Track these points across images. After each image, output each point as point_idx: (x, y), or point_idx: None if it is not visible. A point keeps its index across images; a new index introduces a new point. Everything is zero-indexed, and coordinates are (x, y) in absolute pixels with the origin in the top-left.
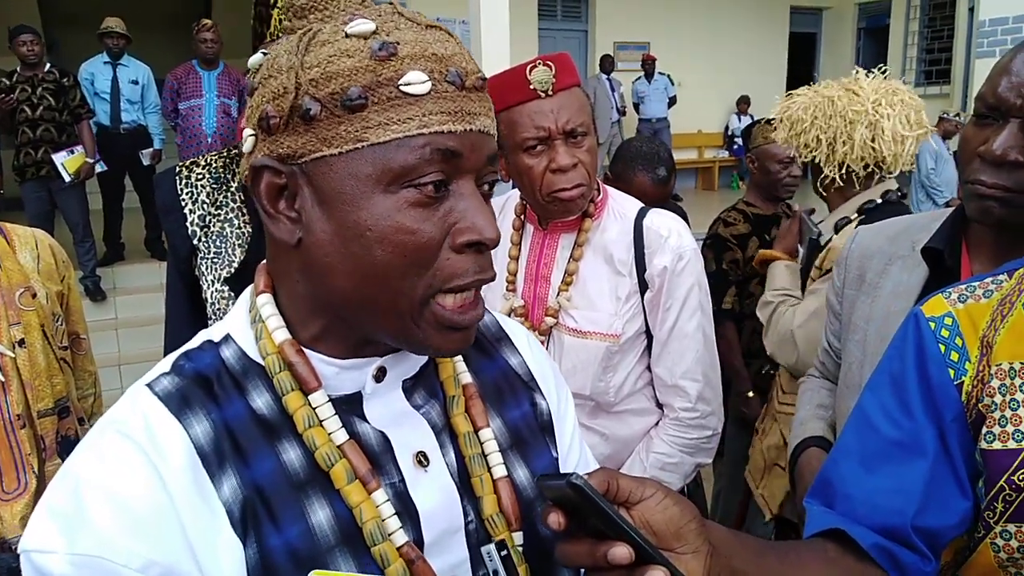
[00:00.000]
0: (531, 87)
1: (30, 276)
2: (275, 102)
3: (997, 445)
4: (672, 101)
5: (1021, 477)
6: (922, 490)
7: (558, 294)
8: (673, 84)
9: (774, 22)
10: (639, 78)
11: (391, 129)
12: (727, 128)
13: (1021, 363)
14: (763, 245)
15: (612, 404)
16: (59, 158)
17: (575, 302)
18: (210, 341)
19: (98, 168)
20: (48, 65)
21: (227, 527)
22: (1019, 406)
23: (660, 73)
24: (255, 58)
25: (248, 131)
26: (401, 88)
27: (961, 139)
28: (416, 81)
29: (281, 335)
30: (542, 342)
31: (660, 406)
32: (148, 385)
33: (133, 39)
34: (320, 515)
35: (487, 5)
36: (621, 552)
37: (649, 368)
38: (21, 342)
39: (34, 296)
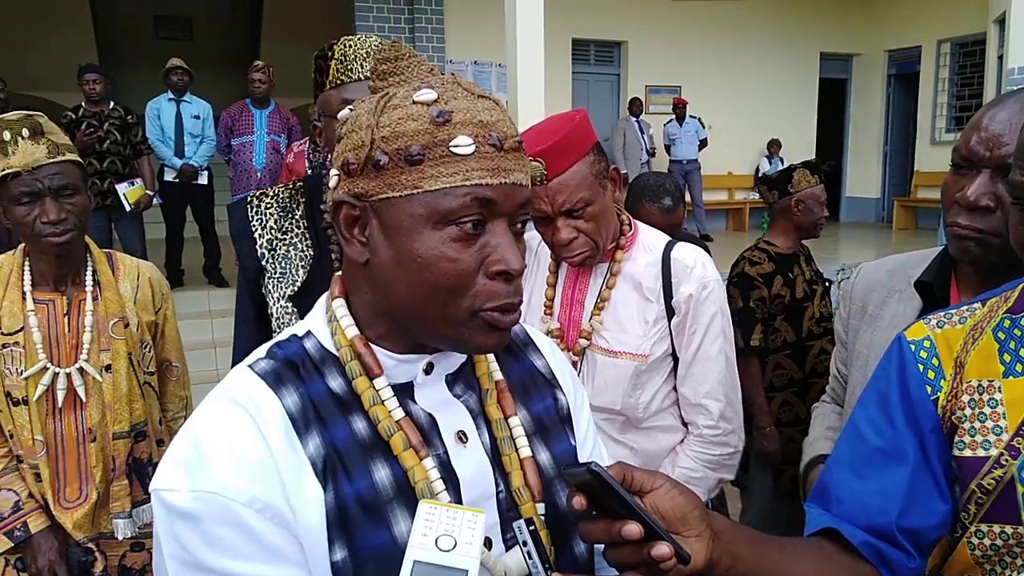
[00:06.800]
0: None
1: (126, 305)
2: (354, 151)
3: (968, 453)
4: (703, 143)
5: (989, 481)
6: (905, 493)
7: (591, 318)
8: (704, 127)
9: (804, 68)
10: (670, 121)
11: (440, 180)
12: (757, 170)
13: (988, 381)
14: (786, 283)
15: (641, 420)
16: (121, 188)
17: (606, 325)
18: (295, 335)
19: (155, 201)
20: (113, 103)
21: (311, 476)
22: (986, 418)
23: (691, 116)
24: (343, 113)
25: (333, 172)
26: (451, 149)
27: (942, 186)
28: (463, 144)
29: (352, 331)
30: (575, 362)
31: (685, 425)
32: (249, 366)
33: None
34: (382, 473)
35: (523, 50)
36: (633, 528)
37: (675, 388)
38: (108, 367)
39: (126, 326)
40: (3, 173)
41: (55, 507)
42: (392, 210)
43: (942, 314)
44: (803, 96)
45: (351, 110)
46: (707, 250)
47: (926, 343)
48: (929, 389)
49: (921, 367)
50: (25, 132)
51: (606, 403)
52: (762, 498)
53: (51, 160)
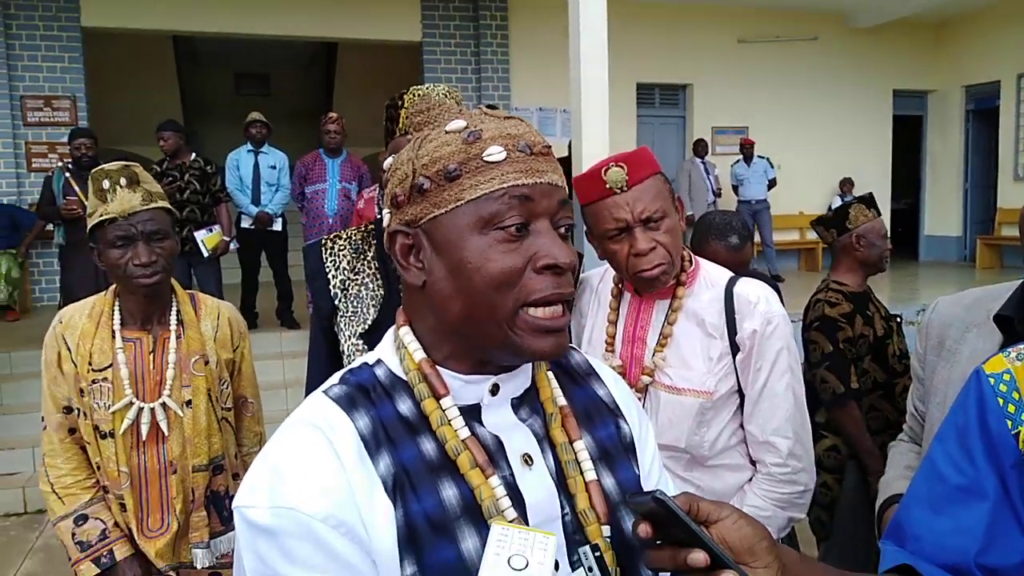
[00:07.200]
0: (607, 186)
1: (206, 344)
2: (400, 185)
3: None
4: (772, 183)
5: None
6: (984, 530)
7: (653, 355)
8: (773, 167)
9: (877, 106)
10: (738, 161)
11: (479, 188)
12: (830, 209)
13: None
14: (867, 322)
15: (707, 458)
16: (200, 235)
17: (669, 361)
18: (366, 363)
19: (232, 246)
20: (194, 155)
21: (382, 494)
22: None
23: (759, 156)
24: (388, 161)
25: (385, 210)
26: (484, 159)
27: (1020, 218)
28: (495, 152)
29: (419, 355)
30: (640, 398)
31: (753, 463)
32: (324, 392)
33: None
34: (449, 492)
35: (588, 96)
36: (699, 556)
37: (742, 426)
38: (188, 403)
39: (206, 363)
40: (101, 219)
41: (139, 536)
42: (440, 227)
43: (1022, 346)
44: (876, 134)
45: (394, 157)
46: (778, 291)
47: (1005, 376)
48: (1010, 423)
49: (1001, 401)
50: (123, 181)
51: (671, 440)
52: (854, 548)
53: (145, 207)
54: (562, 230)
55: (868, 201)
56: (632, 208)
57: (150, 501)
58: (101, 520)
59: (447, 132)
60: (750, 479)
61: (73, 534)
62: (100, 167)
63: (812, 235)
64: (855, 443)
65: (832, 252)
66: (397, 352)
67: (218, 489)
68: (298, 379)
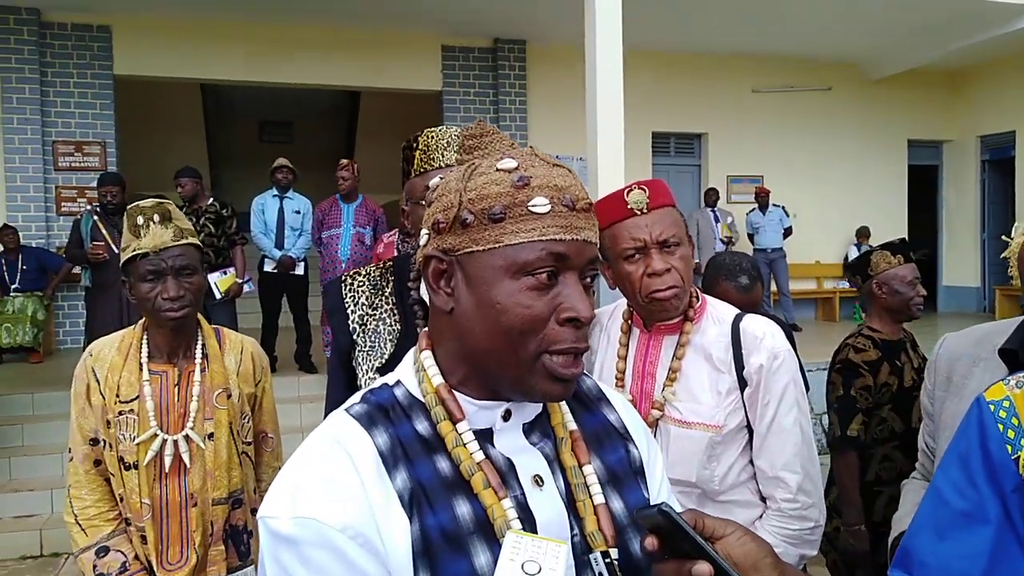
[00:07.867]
0: (628, 207)
1: (229, 377)
2: (444, 212)
3: None
4: (788, 232)
5: None
6: (988, 554)
7: (663, 389)
8: (788, 215)
9: (891, 155)
10: (753, 209)
11: (519, 236)
12: (847, 258)
13: None
14: (894, 371)
15: (717, 493)
16: (213, 277)
17: (679, 396)
18: (386, 384)
19: (247, 288)
20: (211, 199)
21: (399, 507)
22: None
23: (775, 205)
24: (434, 181)
25: (424, 231)
26: (529, 208)
27: (1018, 259)
28: (540, 204)
29: (437, 380)
30: None
31: (764, 500)
32: (346, 410)
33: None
34: (463, 509)
35: (604, 145)
36: (703, 568)
37: (752, 463)
38: (210, 435)
39: (229, 396)
40: (133, 253)
41: (158, 569)
42: (475, 262)
43: (1021, 375)
44: (891, 183)
45: (441, 179)
46: (794, 340)
47: (1005, 403)
48: (1010, 448)
49: (1001, 427)
50: (156, 217)
51: (681, 475)
52: None
53: (176, 243)
54: (588, 280)
55: (895, 247)
56: (651, 229)
57: (170, 534)
58: (122, 552)
59: (498, 170)
60: (761, 516)
61: (94, 566)
62: (135, 204)
63: (829, 284)
64: (841, 490)
65: (862, 299)
66: (416, 374)
67: (237, 523)
68: (316, 423)
